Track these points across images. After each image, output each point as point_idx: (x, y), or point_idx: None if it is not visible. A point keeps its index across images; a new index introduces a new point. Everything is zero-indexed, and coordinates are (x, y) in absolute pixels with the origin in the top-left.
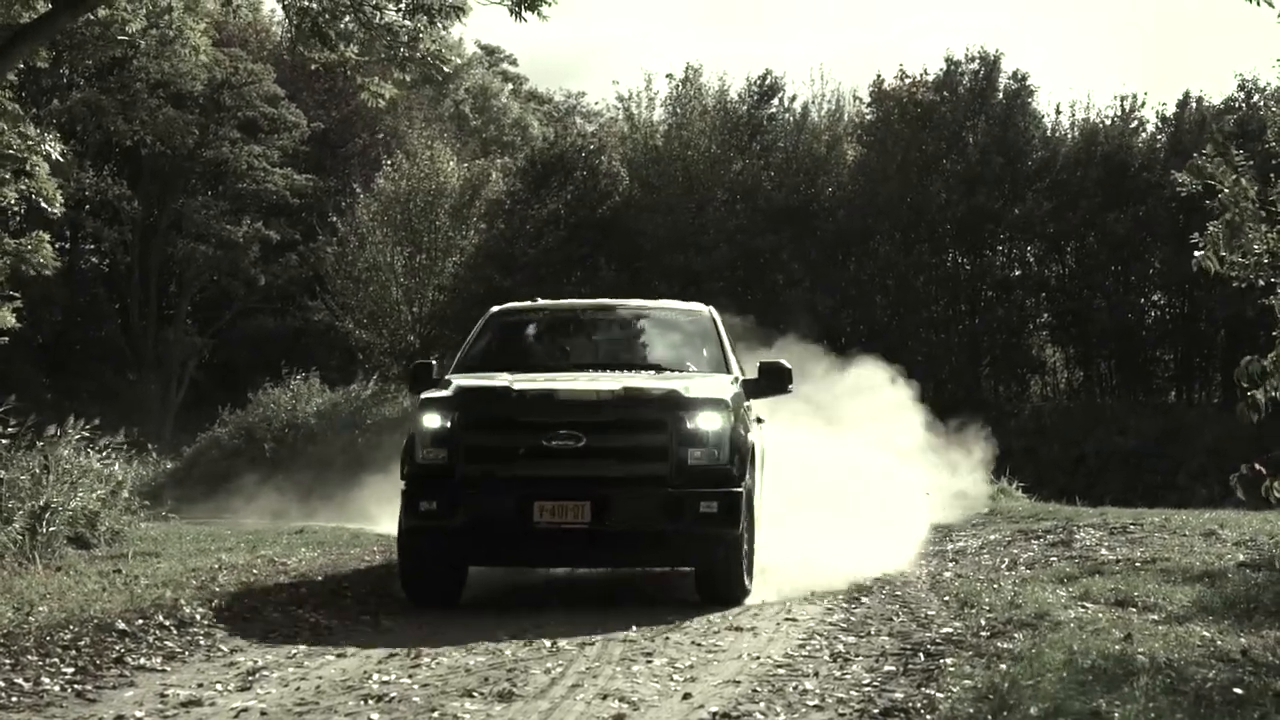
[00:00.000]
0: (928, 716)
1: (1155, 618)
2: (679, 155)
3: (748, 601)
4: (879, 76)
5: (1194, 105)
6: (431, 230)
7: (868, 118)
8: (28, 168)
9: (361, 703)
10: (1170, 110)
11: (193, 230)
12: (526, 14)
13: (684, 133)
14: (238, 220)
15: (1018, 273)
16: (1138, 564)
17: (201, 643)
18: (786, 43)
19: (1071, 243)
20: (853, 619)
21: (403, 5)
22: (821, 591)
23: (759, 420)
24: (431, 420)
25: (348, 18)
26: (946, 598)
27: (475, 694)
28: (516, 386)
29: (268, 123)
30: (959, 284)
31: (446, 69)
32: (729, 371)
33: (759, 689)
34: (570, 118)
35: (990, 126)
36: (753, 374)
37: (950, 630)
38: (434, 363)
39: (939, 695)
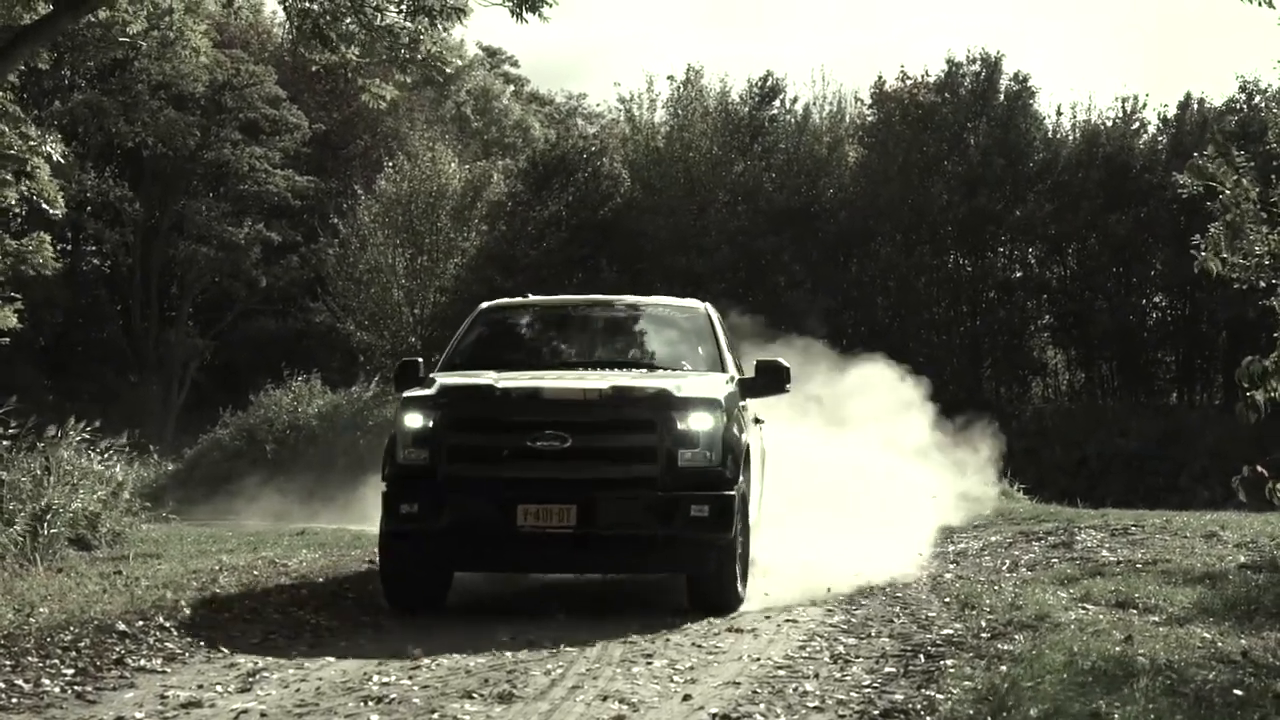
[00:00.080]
0: (928, 718)
1: (1156, 619)
2: (680, 157)
3: (743, 608)
4: (880, 78)
5: (1195, 107)
6: (433, 232)
7: (869, 119)
8: (29, 169)
9: (361, 704)
10: (1171, 112)
11: (194, 232)
12: (527, 15)
13: (685, 134)
14: (239, 222)
15: (1019, 274)
16: (1139, 565)
17: (202, 644)
18: (787, 44)
19: (1073, 244)
20: (853, 620)
21: (404, 7)
22: (824, 598)
23: (757, 420)
24: (413, 420)
25: (349, 19)
26: (947, 599)
27: (475, 695)
28: (500, 385)
29: (269, 124)
30: (960, 285)
31: (447, 70)
32: (724, 370)
33: (759, 690)
34: (572, 119)
35: (991, 128)
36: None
37: (951, 632)
38: (420, 361)
39: (939, 697)
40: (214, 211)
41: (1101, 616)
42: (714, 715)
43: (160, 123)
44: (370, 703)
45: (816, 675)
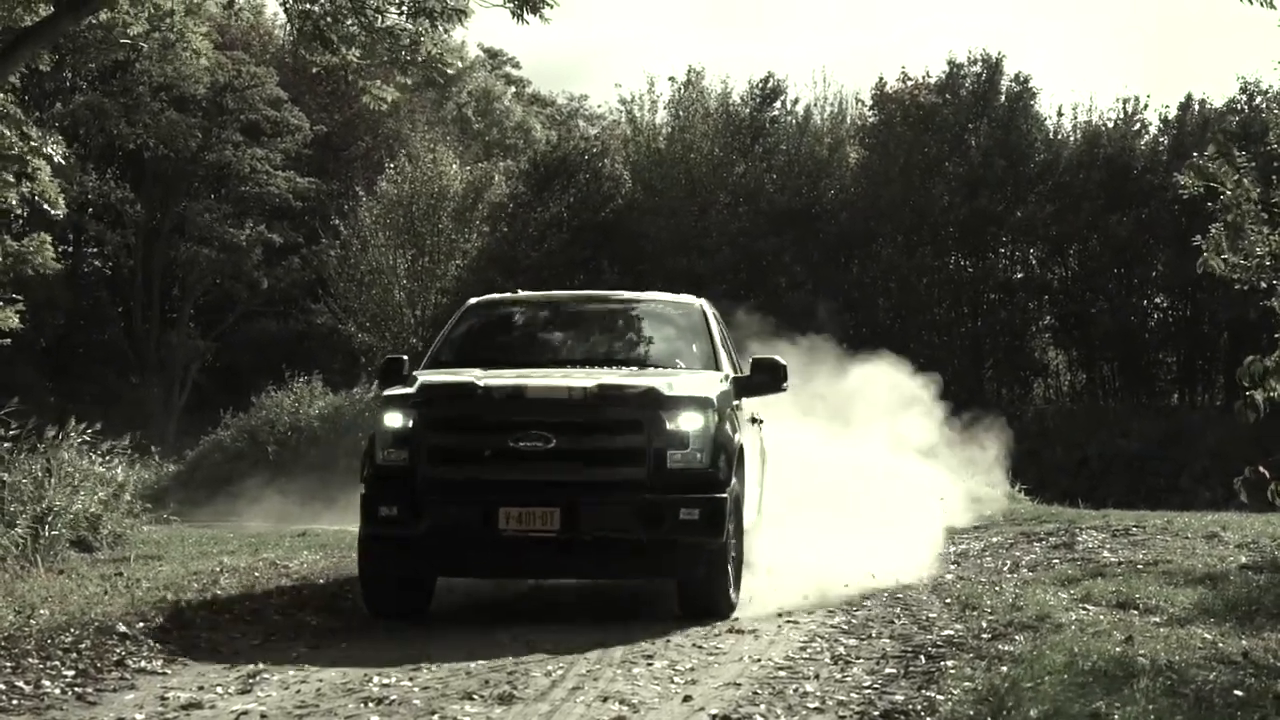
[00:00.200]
0: (928, 718)
1: (1157, 620)
2: (681, 158)
3: (745, 611)
4: (881, 79)
5: (1196, 108)
6: (434, 233)
7: (870, 120)
8: (30, 170)
9: (362, 705)
10: (1172, 113)
11: (195, 233)
12: (528, 16)
13: (686, 135)
14: (240, 223)
15: (1020, 275)
16: (1140, 566)
17: (202, 645)
18: (788, 45)
19: (1074, 245)
20: (854, 621)
21: (404, 8)
22: (826, 601)
23: (754, 420)
24: (392, 419)
25: (350, 21)
26: (948, 600)
27: (475, 696)
28: (482, 383)
29: (270, 126)
30: (961, 287)
31: (448, 72)
32: (719, 368)
33: (760, 691)
34: (573, 121)
35: (992, 129)
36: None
37: (951, 633)
38: (405, 358)
39: (939, 697)
40: (215, 213)
41: (1102, 617)
42: (714, 716)
43: (162, 124)
44: (370, 704)
45: (817, 676)
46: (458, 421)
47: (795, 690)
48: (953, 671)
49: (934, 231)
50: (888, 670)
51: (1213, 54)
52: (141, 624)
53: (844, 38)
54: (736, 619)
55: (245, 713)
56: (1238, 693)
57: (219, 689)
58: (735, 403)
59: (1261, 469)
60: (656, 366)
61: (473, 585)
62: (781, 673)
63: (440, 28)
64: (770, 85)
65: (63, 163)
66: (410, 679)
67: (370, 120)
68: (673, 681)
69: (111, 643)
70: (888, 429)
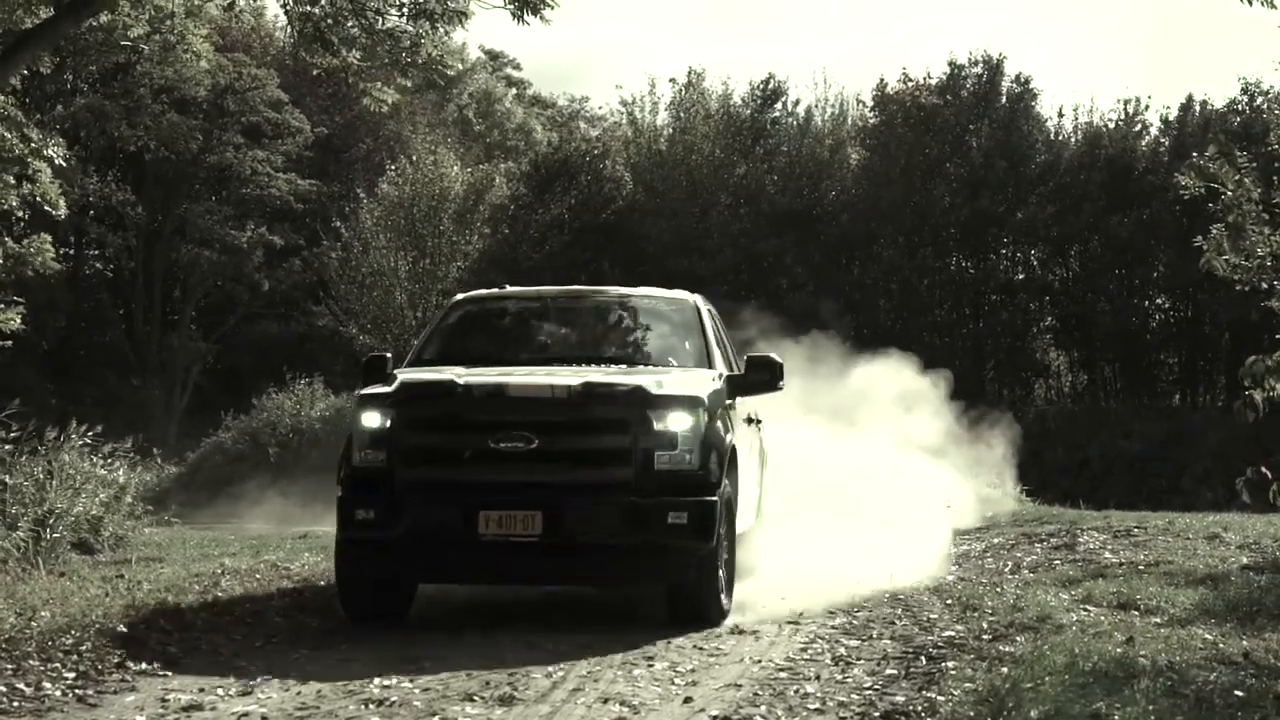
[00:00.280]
0: (928, 719)
1: (1157, 620)
2: (682, 159)
3: (746, 616)
4: (882, 80)
5: (1197, 109)
6: (435, 235)
7: (871, 121)
8: (30, 172)
9: (362, 707)
10: (1173, 113)
11: (197, 235)
12: (529, 17)
13: (687, 137)
14: (242, 225)
15: (1021, 276)
16: (1141, 567)
17: (203, 647)
18: (788, 45)
19: (1075, 246)
20: (855, 623)
21: (404, 10)
22: (830, 606)
23: (751, 420)
24: (369, 419)
25: (350, 23)
26: (949, 601)
27: (476, 698)
28: (462, 381)
29: (271, 128)
30: (963, 288)
31: (449, 74)
32: (712, 366)
33: (760, 692)
34: (574, 122)
35: (993, 130)
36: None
37: (952, 634)
38: (389, 356)
39: (940, 698)
40: (216, 215)
41: (1103, 618)
42: (715, 717)
43: (162, 126)
44: (371, 705)
45: (818, 677)
46: (437, 421)
47: (796, 691)
48: (953, 672)
49: (935, 232)
50: (888, 671)
51: (1213, 54)
52: (143, 626)
53: (844, 38)
54: (739, 621)
55: (246, 714)
56: (1238, 693)
57: (220, 691)
58: (728, 402)
59: (1263, 469)
60: (647, 364)
61: (471, 586)
62: (782, 674)
63: (441, 30)
64: (771, 86)
65: (64, 165)
66: (411, 680)
67: (371, 122)
68: (673, 683)
69: (112, 645)
70: (894, 428)
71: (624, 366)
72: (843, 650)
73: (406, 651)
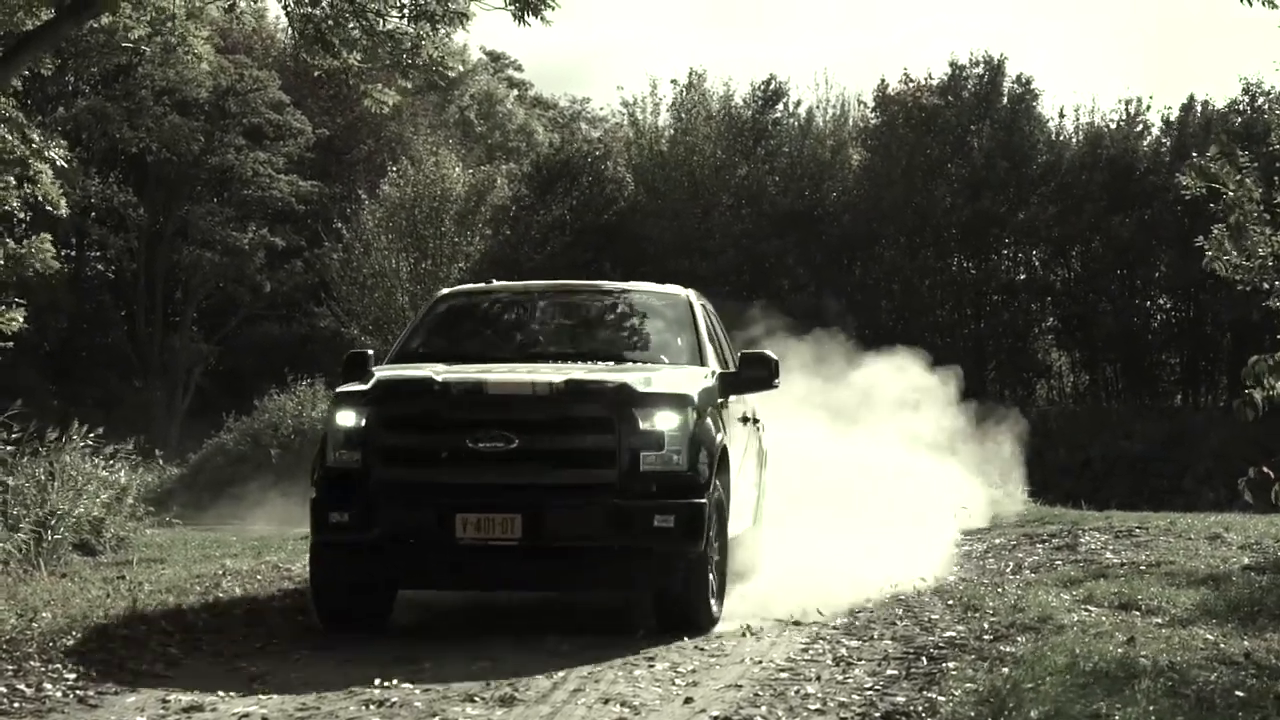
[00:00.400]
0: (929, 719)
1: (1159, 621)
2: (684, 160)
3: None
4: (883, 81)
5: (1199, 109)
6: (437, 236)
7: (872, 122)
8: (31, 174)
9: (363, 708)
10: (1175, 114)
11: (198, 237)
12: (529, 18)
13: (689, 138)
14: (243, 227)
15: (1023, 277)
16: (1142, 567)
17: (204, 648)
18: (789, 46)
19: (1076, 247)
20: (856, 623)
21: (405, 12)
22: (828, 611)
23: (746, 419)
24: (344, 417)
25: (351, 24)
26: (950, 602)
27: (477, 698)
28: (440, 378)
29: (273, 129)
30: (964, 288)
31: (449, 75)
32: (704, 363)
33: (761, 693)
34: (575, 123)
35: (995, 131)
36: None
37: (953, 634)
38: (370, 353)
39: (940, 699)
40: (218, 216)
41: (1104, 618)
42: (715, 718)
43: (164, 128)
44: (372, 706)
45: (818, 678)
46: (413, 420)
47: (797, 692)
48: (954, 673)
49: (936, 233)
50: (889, 671)
51: (1214, 55)
52: (144, 627)
53: (844, 39)
54: (740, 622)
55: (247, 715)
56: (1239, 693)
57: (220, 691)
58: (720, 400)
59: (1265, 469)
60: (637, 361)
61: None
62: (783, 674)
63: (441, 31)
64: (772, 87)
65: (65, 166)
66: (411, 681)
67: (372, 124)
68: (674, 683)
69: (113, 646)
70: (901, 427)
71: (611, 363)
72: (844, 651)
73: (407, 652)
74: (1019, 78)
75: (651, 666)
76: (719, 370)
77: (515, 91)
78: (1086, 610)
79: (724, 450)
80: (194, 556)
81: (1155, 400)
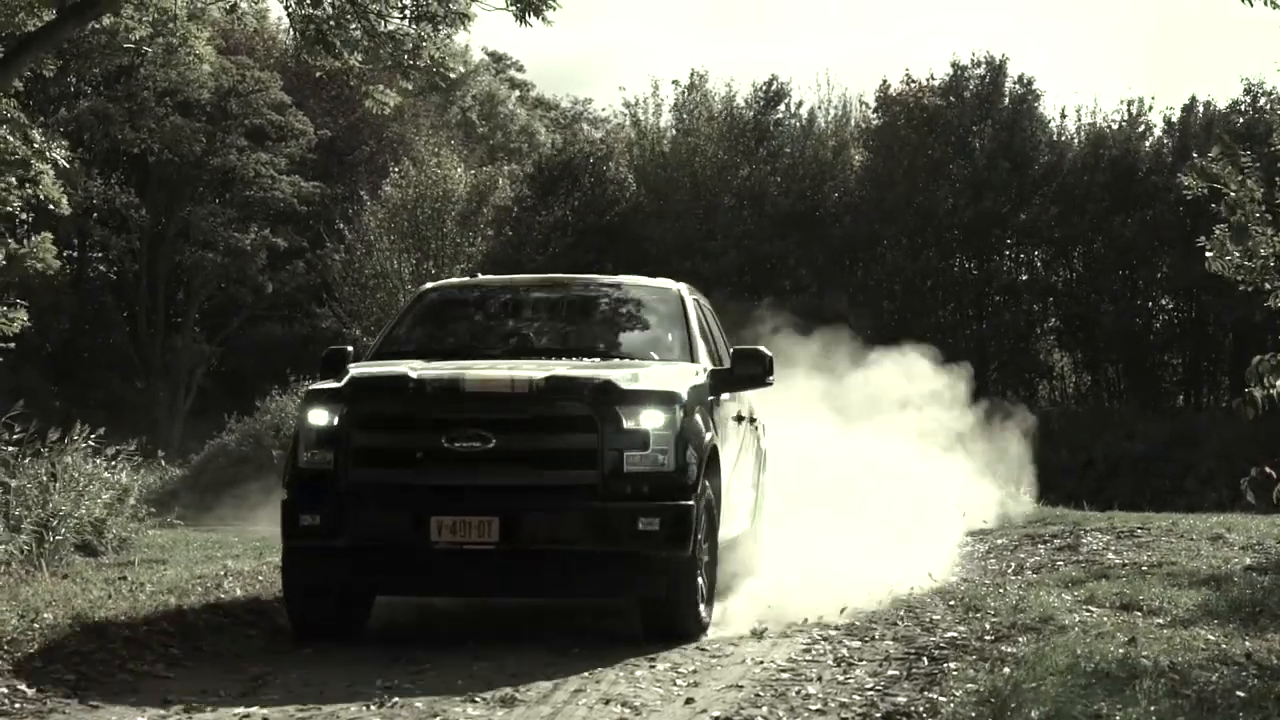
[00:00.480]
0: None
1: (1160, 621)
2: (686, 161)
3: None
4: (885, 81)
5: (1200, 109)
6: (439, 237)
7: (874, 123)
8: (33, 175)
9: (365, 708)
10: (1176, 114)
11: (200, 238)
12: (531, 19)
13: (691, 139)
14: (245, 228)
15: (1025, 277)
16: (1144, 568)
17: (205, 649)
18: (789, 46)
19: (1078, 247)
20: (857, 624)
21: (406, 13)
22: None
23: (741, 418)
24: (316, 416)
25: (353, 25)
26: (952, 602)
27: (477, 699)
28: (416, 374)
29: (275, 130)
30: (966, 289)
31: (451, 76)
32: (694, 359)
33: (762, 693)
34: (577, 124)
35: (996, 131)
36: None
37: (955, 634)
38: (350, 349)
39: (941, 699)
40: (220, 217)
41: (1106, 619)
42: (716, 718)
43: (166, 129)
44: (373, 706)
45: (819, 678)
46: (387, 419)
47: (798, 692)
48: (955, 673)
49: (938, 234)
50: (890, 672)
51: (1215, 55)
52: (145, 628)
53: (845, 39)
54: (748, 628)
55: (248, 716)
56: (1240, 694)
57: (222, 692)
58: (711, 398)
59: (1267, 470)
60: (625, 357)
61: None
62: (784, 675)
63: (442, 32)
64: (774, 88)
65: (67, 166)
66: (413, 681)
67: (374, 124)
68: (675, 684)
69: (115, 646)
70: (908, 426)
71: (598, 360)
72: (845, 651)
73: (408, 653)
74: (1020, 78)
75: (653, 667)
76: (711, 367)
77: (517, 92)
78: (1088, 611)
79: (714, 450)
80: (196, 557)
81: (1157, 401)
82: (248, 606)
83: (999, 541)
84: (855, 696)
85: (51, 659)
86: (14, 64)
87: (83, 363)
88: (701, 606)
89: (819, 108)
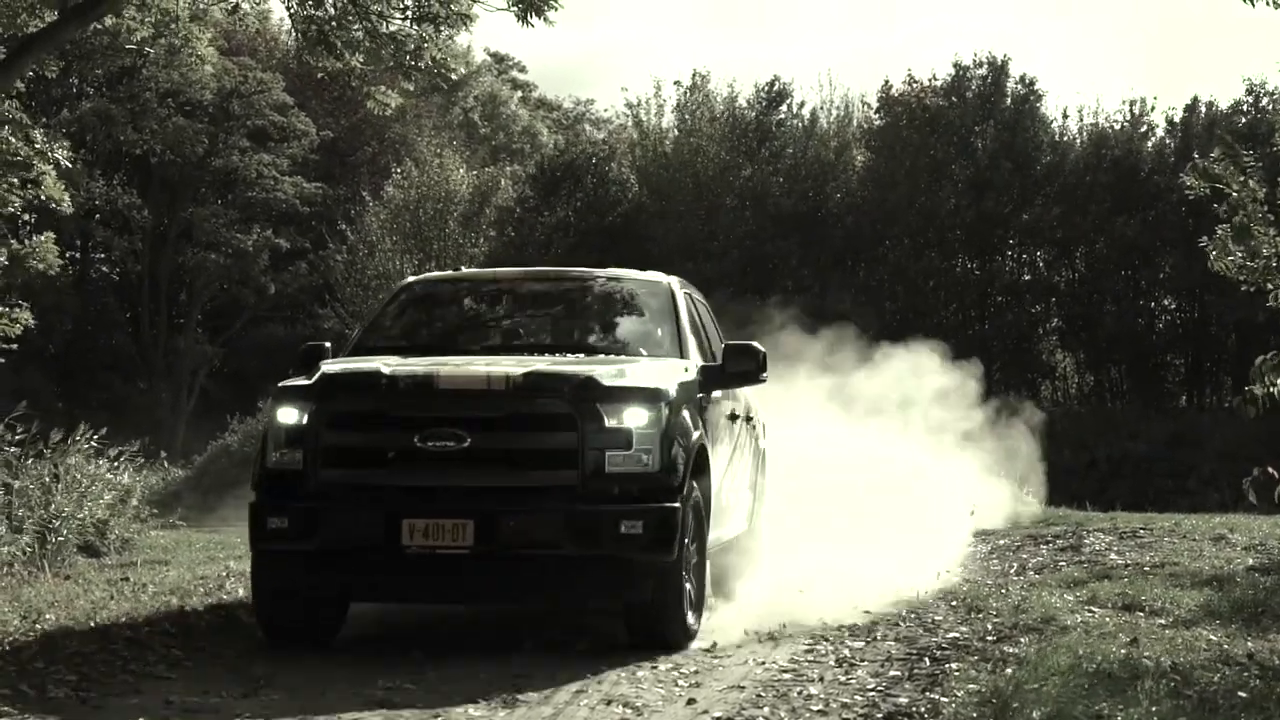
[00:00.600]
0: None
1: (1162, 622)
2: (688, 162)
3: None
4: (887, 82)
5: (1202, 109)
6: (441, 238)
7: (876, 123)
8: (35, 176)
9: (366, 709)
10: (1178, 115)
11: (203, 239)
12: (532, 19)
13: (693, 139)
14: (248, 229)
15: (1027, 278)
16: (1146, 568)
17: (207, 650)
18: (791, 46)
19: (1081, 247)
20: (859, 624)
21: (408, 13)
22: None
23: (734, 416)
24: (286, 415)
25: (354, 26)
26: (954, 603)
27: (479, 699)
28: (388, 371)
29: (277, 131)
30: (968, 289)
31: (452, 77)
32: (684, 356)
33: (763, 694)
34: (579, 125)
35: (999, 131)
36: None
37: (957, 635)
38: (328, 345)
39: (943, 700)
40: (222, 218)
41: (1108, 619)
42: (718, 719)
43: (168, 130)
44: (375, 707)
45: (821, 679)
46: (358, 417)
47: (799, 693)
48: (957, 674)
49: (941, 234)
50: (892, 673)
51: (1217, 55)
52: (147, 629)
53: (847, 39)
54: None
55: (250, 717)
56: (1242, 694)
57: (223, 693)
58: (700, 395)
59: (1270, 470)
60: (610, 352)
61: None
62: (786, 675)
63: (444, 33)
64: (776, 88)
65: (69, 166)
66: (414, 682)
67: (377, 125)
68: (676, 684)
69: (117, 647)
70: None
71: (582, 355)
72: (846, 652)
73: (409, 654)
74: (1022, 78)
75: (654, 667)
76: (701, 363)
77: (519, 93)
78: (1090, 611)
79: (703, 450)
80: (198, 558)
81: (1160, 401)
82: (250, 607)
83: (1001, 542)
84: (857, 697)
85: (53, 660)
86: (16, 65)
87: (85, 364)
88: (689, 613)
89: (821, 108)
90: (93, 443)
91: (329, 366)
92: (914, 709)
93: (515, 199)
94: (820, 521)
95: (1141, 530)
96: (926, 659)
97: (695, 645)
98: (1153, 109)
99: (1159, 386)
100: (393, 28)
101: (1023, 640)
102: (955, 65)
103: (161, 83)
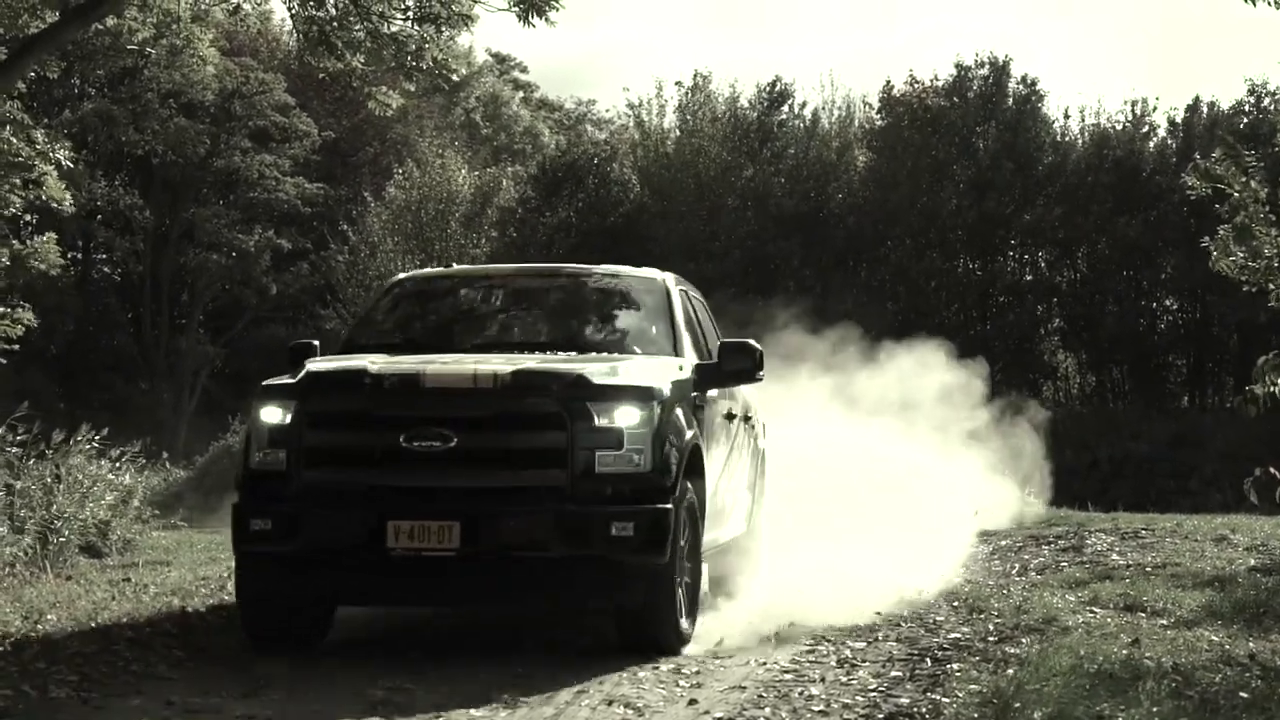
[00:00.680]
0: None
1: (1164, 622)
2: (690, 162)
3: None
4: (888, 82)
5: (1204, 110)
6: (443, 239)
7: (878, 124)
8: (36, 176)
9: (368, 710)
10: (1180, 115)
11: (204, 239)
12: (534, 19)
13: (694, 140)
14: (249, 229)
15: (1029, 278)
16: (1148, 569)
17: (209, 650)
18: (792, 46)
19: (1082, 248)
20: (860, 625)
21: (409, 14)
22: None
23: (731, 416)
24: (269, 414)
25: (356, 26)
26: (955, 603)
27: (481, 700)
28: (374, 369)
29: (279, 132)
30: (970, 290)
31: (453, 78)
32: (678, 353)
33: (765, 695)
34: (581, 125)
35: (1000, 132)
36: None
37: (958, 636)
38: (317, 344)
39: (944, 700)
40: (224, 219)
41: (1109, 620)
42: (719, 719)
43: (170, 131)
44: (376, 708)
45: (822, 679)
46: (343, 416)
47: (800, 693)
48: (958, 674)
49: (942, 234)
50: (893, 673)
51: (1219, 56)
52: (148, 630)
53: (849, 40)
54: (745, 619)
55: (251, 718)
56: (1243, 695)
57: (224, 693)
58: (695, 394)
59: (1271, 470)
60: (604, 350)
61: None
62: (787, 676)
63: (445, 33)
64: (778, 89)
65: (70, 167)
66: (415, 682)
67: (378, 126)
68: (678, 685)
69: (118, 648)
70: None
71: (573, 353)
72: (847, 652)
73: (411, 654)
74: (1024, 79)
75: (656, 668)
76: (696, 361)
77: (521, 93)
78: (1091, 612)
79: (697, 449)
80: (200, 559)
81: (1162, 401)
82: None
83: (1003, 542)
84: (858, 698)
85: (55, 660)
86: (17, 66)
87: (87, 364)
88: (682, 617)
89: (823, 108)
90: (94, 443)
91: (314, 364)
92: (915, 709)
93: (517, 199)
94: (822, 522)
95: (1143, 531)
96: (928, 659)
97: (696, 646)
98: (1154, 109)
99: (1161, 387)
100: (394, 28)
101: (1024, 641)
102: (957, 65)
103: (163, 83)
